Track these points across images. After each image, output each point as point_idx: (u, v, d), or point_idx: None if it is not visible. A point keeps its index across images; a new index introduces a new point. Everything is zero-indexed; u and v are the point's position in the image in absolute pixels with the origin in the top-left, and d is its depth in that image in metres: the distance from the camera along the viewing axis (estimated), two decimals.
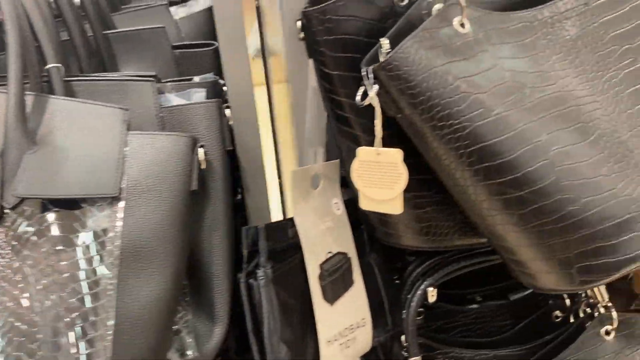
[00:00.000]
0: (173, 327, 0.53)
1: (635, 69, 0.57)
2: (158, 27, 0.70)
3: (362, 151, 0.52)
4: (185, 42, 0.74)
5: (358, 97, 0.49)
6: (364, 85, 0.49)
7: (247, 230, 0.56)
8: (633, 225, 0.53)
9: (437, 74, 0.49)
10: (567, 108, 0.53)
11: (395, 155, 0.51)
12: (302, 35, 0.56)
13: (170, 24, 0.78)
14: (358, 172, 0.52)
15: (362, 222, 0.69)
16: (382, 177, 0.52)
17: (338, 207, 0.67)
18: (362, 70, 0.49)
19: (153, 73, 0.61)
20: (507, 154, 0.50)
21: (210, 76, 0.64)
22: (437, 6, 0.53)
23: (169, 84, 0.62)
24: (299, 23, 0.55)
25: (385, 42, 0.49)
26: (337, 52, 0.55)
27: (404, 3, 0.56)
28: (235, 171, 0.63)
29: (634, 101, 0.56)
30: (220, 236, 0.55)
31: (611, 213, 0.53)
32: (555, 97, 0.53)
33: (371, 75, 0.48)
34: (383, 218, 0.65)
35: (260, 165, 0.68)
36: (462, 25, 0.52)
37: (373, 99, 0.48)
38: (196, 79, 0.63)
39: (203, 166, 0.51)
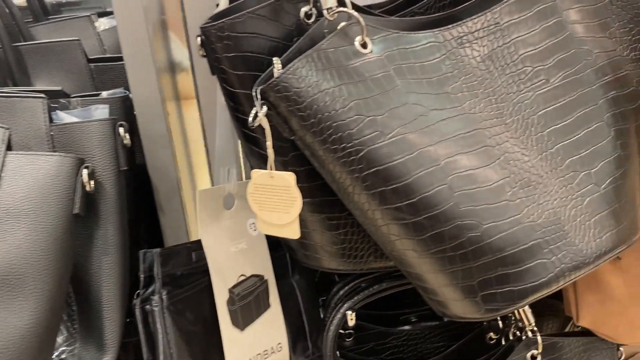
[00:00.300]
0: (61, 357, 0.51)
1: (547, 90, 0.56)
2: (72, 40, 0.68)
3: (256, 174, 0.50)
4: (103, 56, 0.72)
5: (250, 118, 0.47)
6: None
7: (144, 255, 0.53)
8: (537, 252, 0.52)
9: (328, 95, 0.47)
10: (470, 132, 0.52)
11: (288, 178, 0.49)
12: (202, 52, 0.54)
13: (92, 36, 0.76)
14: (254, 196, 0.50)
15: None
16: (277, 201, 0.50)
17: (254, 228, 0.65)
18: (252, 90, 0.47)
19: (59, 88, 0.59)
20: (402, 178, 0.48)
21: (120, 91, 0.62)
22: (345, 23, 0.51)
23: (75, 99, 0.60)
24: (199, 39, 0.54)
25: (277, 62, 0.47)
26: (239, 70, 0.53)
27: (311, 21, 0.54)
28: (140, 191, 0.61)
29: (544, 124, 0.55)
30: (112, 261, 0.52)
31: (514, 239, 0.51)
32: (457, 120, 0.52)
33: (259, 96, 0.47)
34: (301, 240, 0.63)
35: (175, 184, 0.66)
36: (364, 45, 0.51)
37: (262, 120, 0.47)
38: (104, 94, 0.61)
39: (89, 188, 0.49)
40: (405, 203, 0.49)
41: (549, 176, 0.54)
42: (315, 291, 0.73)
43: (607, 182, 0.55)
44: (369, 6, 0.85)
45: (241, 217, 0.64)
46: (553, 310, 0.85)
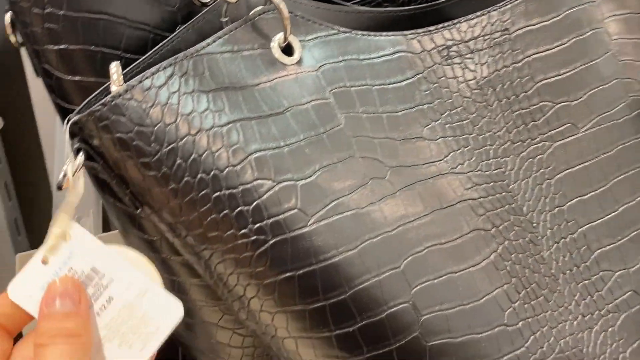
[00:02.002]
0: None
1: (573, 140, 0.36)
2: None
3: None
4: None
5: (60, 175, 0.26)
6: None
7: None
8: None
9: (206, 139, 0.26)
10: (450, 206, 0.31)
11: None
12: (13, 37, 0.32)
13: None
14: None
15: None
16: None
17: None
18: (64, 123, 0.26)
19: None
20: (338, 290, 0.28)
21: None
22: (256, 10, 0.30)
23: None
24: (8, 17, 0.32)
25: (116, 69, 0.26)
26: (74, 74, 0.31)
27: (207, 0, 0.33)
28: None
29: (565, 193, 0.35)
30: None
31: None
32: (431, 186, 0.31)
33: (70, 136, 0.25)
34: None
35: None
36: (288, 49, 0.30)
37: (74, 181, 0.25)
38: None
39: None
40: (351, 326, 0.28)
41: (568, 279, 0.34)
42: None
43: None
44: None
45: None
46: None
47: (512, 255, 0.33)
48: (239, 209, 0.26)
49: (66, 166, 0.25)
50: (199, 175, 0.25)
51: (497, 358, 0.30)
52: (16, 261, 0.37)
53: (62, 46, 0.31)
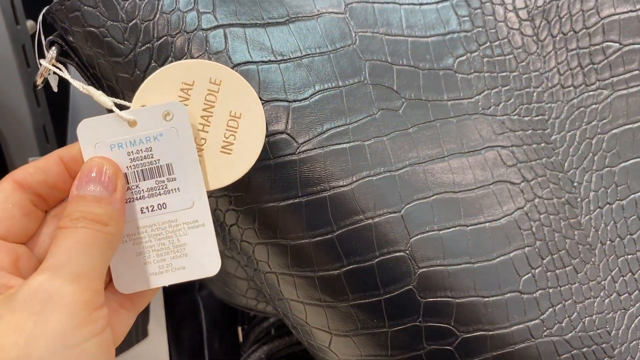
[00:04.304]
0: None
1: (639, 92, 0.30)
2: None
3: None
4: None
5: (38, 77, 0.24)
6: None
7: None
8: None
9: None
10: (471, 151, 0.27)
11: None
12: None
13: None
14: None
15: None
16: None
17: None
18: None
19: None
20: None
21: None
22: None
23: None
24: None
25: None
26: None
27: None
28: None
29: (621, 152, 0.30)
30: None
31: None
32: (453, 125, 0.27)
33: (41, 27, 0.23)
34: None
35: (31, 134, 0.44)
36: None
37: (49, 72, 0.23)
38: None
39: None
40: (337, 269, 0.26)
41: (607, 250, 0.29)
42: (230, 312, 0.52)
43: None
44: None
45: None
46: None
47: (542, 216, 0.28)
48: None
49: (40, 60, 0.23)
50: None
51: (505, 326, 0.27)
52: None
53: None
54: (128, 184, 0.23)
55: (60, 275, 0.20)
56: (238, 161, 0.23)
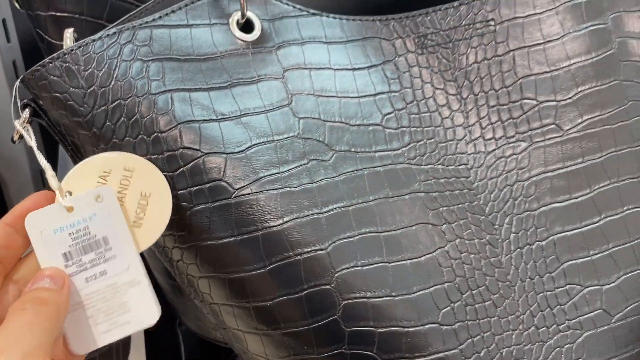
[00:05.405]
0: None
1: (555, 143, 0.34)
2: None
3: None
4: None
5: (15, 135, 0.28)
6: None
7: None
8: None
9: (146, 103, 0.27)
10: (396, 196, 0.31)
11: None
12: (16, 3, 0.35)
13: None
14: None
15: None
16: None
17: None
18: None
19: None
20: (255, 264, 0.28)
21: None
22: None
23: None
24: None
25: (68, 34, 0.28)
26: (54, 39, 0.34)
27: None
28: None
29: (540, 197, 0.33)
30: None
31: None
32: (380, 173, 0.31)
33: (18, 93, 0.27)
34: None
35: (28, 178, 0.49)
36: (247, 25, 0.30)
37: (24, 132, 0.28)
38: None
39: None
40: (269, 300, 0.29)
41: (526, 287, 0.32)
42: (211, 345, 0.55)
43: (627, 308, 0.34)
44: None
45: None
46: None
47: (463, 255, 0.32)
48: (164, 174, 0.27)
49: (15, 121, 0.27)
50: (126, 138, 0.27)
51: (424, 354, 0.30)
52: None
53: (53, 12, 0.34)
54: (72, 259, 0.27)
55: (11, 356, 0.23)
56: (149, 231, 0.28)
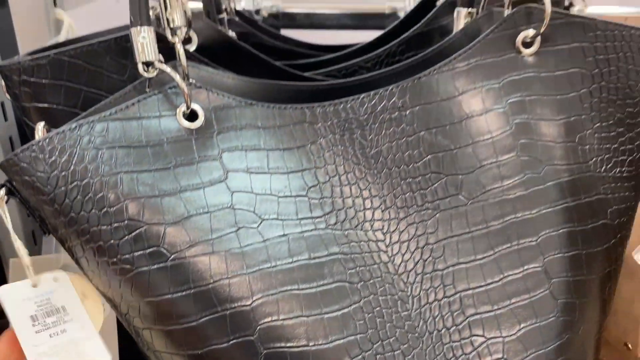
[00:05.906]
0: None
1: (460, 211, 0.39)
2: None
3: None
4: None
5: None
6: None
7: None
8: None
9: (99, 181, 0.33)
10: (316, 257, 0.36)
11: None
12: (7, 95, 0.42)
13: None
14: None
15: None
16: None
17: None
18: None
19: None
20: (186, 318, 0.34)
21: None
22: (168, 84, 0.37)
23: None
24: (2, 82, 0.42)
25: (39, 126, 0.34)
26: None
27: (152, 74, 0.39)
28: None
29: (447, 258, 0.38)
30: None
31: None
32: (302, 239, 0.36)
33: None
34: None
35: None
36: (192, 115, 0.37)
37: None
38: None
39: None
40: (200, 349, 0.34)
41: (433, 338, 0.37)
42: None
43: (526, 358, 0.38)
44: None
45: None
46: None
47: (375, 309, 0.36)
48: (111, 242, 0.33)
49: None
50: (81, 213, 0.33)
51: None
52: (10, 265, 0.47)
53: (34, 104, 0.41)
54: (38, 320, 0.36)
55: None
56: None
